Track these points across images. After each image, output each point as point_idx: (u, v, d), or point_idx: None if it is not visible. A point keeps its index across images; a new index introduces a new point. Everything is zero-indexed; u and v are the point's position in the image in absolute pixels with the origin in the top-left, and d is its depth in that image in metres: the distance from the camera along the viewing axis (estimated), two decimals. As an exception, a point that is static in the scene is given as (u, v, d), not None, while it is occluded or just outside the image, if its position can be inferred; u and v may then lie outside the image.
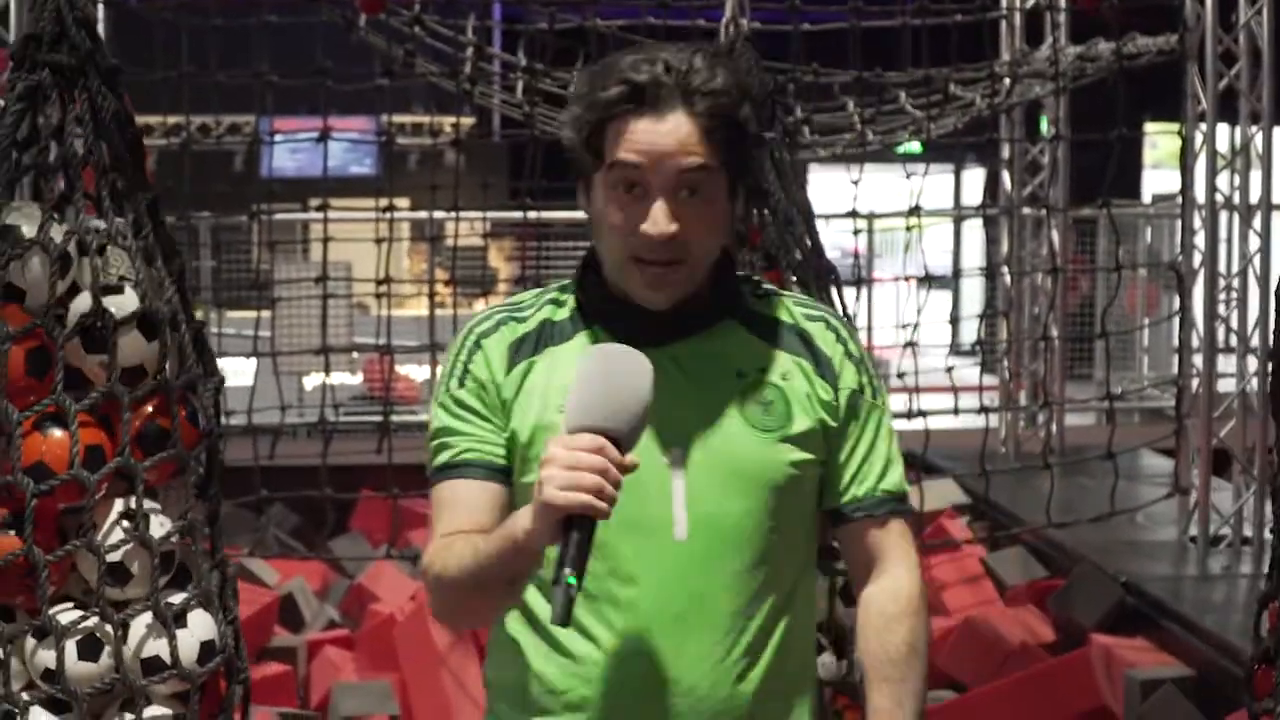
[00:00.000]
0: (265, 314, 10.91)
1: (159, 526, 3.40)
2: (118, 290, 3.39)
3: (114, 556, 3.35)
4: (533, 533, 2.51)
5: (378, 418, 10.53)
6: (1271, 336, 3.65)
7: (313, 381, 12.98)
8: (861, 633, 2.85)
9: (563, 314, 2.84)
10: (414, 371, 14.31)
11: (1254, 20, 8.85)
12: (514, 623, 2.83)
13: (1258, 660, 3.54)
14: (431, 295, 10.62)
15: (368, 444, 10.39)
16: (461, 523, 2.76)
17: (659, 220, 2.66)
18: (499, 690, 2.91)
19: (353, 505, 10.23)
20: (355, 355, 14.21)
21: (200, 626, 3.42)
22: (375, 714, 7.12)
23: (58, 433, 3.33)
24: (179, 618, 3.40)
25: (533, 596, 2.79)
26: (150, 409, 3.41)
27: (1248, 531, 8.76)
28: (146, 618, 3.38)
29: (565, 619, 2.45)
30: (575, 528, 2.45)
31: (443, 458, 2.82)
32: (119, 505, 3.38)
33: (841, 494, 2.86)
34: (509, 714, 2.87)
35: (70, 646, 3.34)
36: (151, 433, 3.39)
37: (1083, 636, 7.69)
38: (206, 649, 3.42)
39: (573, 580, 2.43)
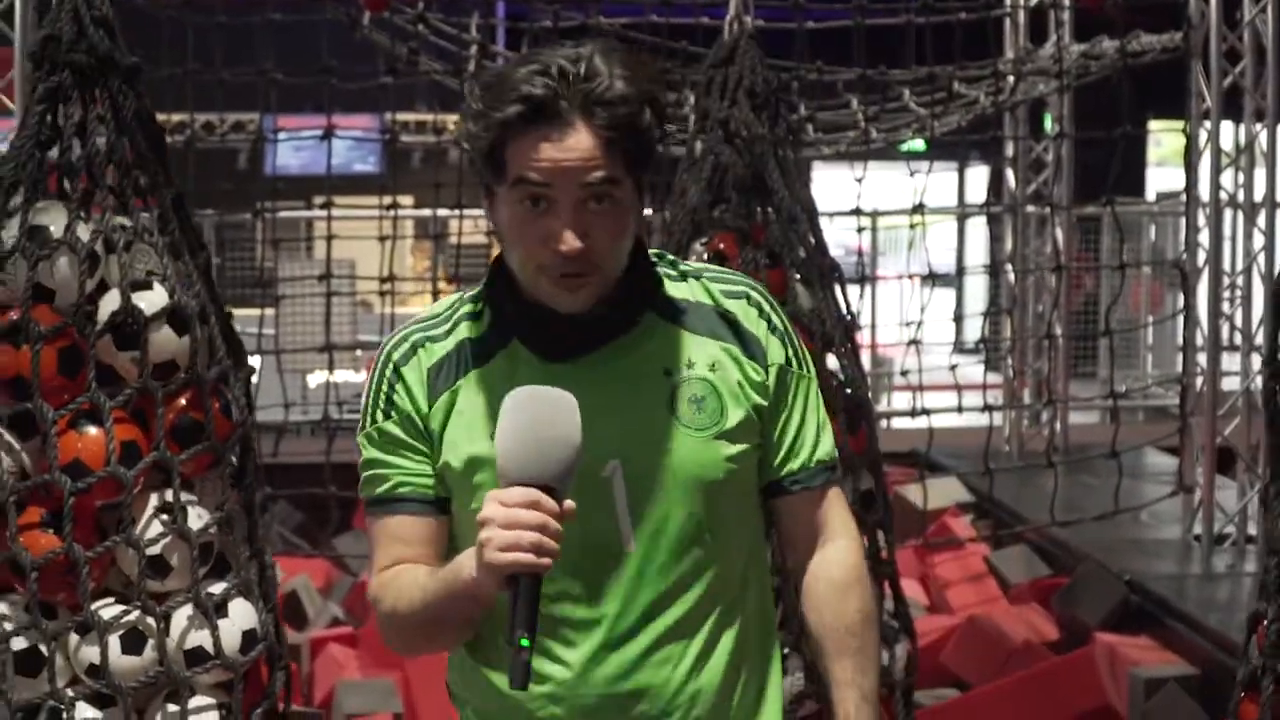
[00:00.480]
0: (269, 311, 10.92)
1: (197, 518, 3.44)
2: (146, 286, 3.43)
3: (153, 550, 3.40)
4: (480, 585, 2.52)
5: (381, 415, 10.52)
6: (1265, 337, 3.61)
7: (316, 379, 12.98)
8: (812, 604, 2.84)
9: (481, 328, 2.77)
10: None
11: (1258, 18, 8.84)
12: (475, 645, 2.81)
13: (1244, 686, 3.49)
14: (435, 293, 10.63)
15: (371, 441, 10.38)
16: (400, 556, 2.76)
17: (566, 239, 2.60)
18: (468, 705, 2.88)
19: (356, 502, 10.20)
20: (359, 353, 14.21)
21: (241, 615, 3.49)
22: (379, 712, 7.12)
23: (93, 430, 3.37)
24: (220, 608, 3.46)
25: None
26: (183, 402, 3.46)
27: (1252, 530, 8.74)
28: (188, 609, 3.44)
29: (524, 683, 2.46)
30: (521, 584, 2.45)
31: (376, 491, 2.81)
32: (155, 499, 3.42)
33: (777, 469, 2.83)
34: (479, 714, 2.84)
35: (114, 641, 3.37)
36: (186, 426, 3.44)
37: (1086, 635, 7.69)
38: (249, 638, 3.50)
39: (525, 642, 2.44)
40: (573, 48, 2.65)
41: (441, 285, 10.88)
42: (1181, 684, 6.83)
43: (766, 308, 2.83)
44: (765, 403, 2.78)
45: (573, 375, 2.64)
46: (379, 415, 2.80)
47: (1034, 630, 8.02)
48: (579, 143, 2.59)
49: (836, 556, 2.85)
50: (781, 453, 2.82)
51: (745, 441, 2.77)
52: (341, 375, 11.64)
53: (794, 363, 2.83)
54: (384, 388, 2.79)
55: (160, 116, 3.66)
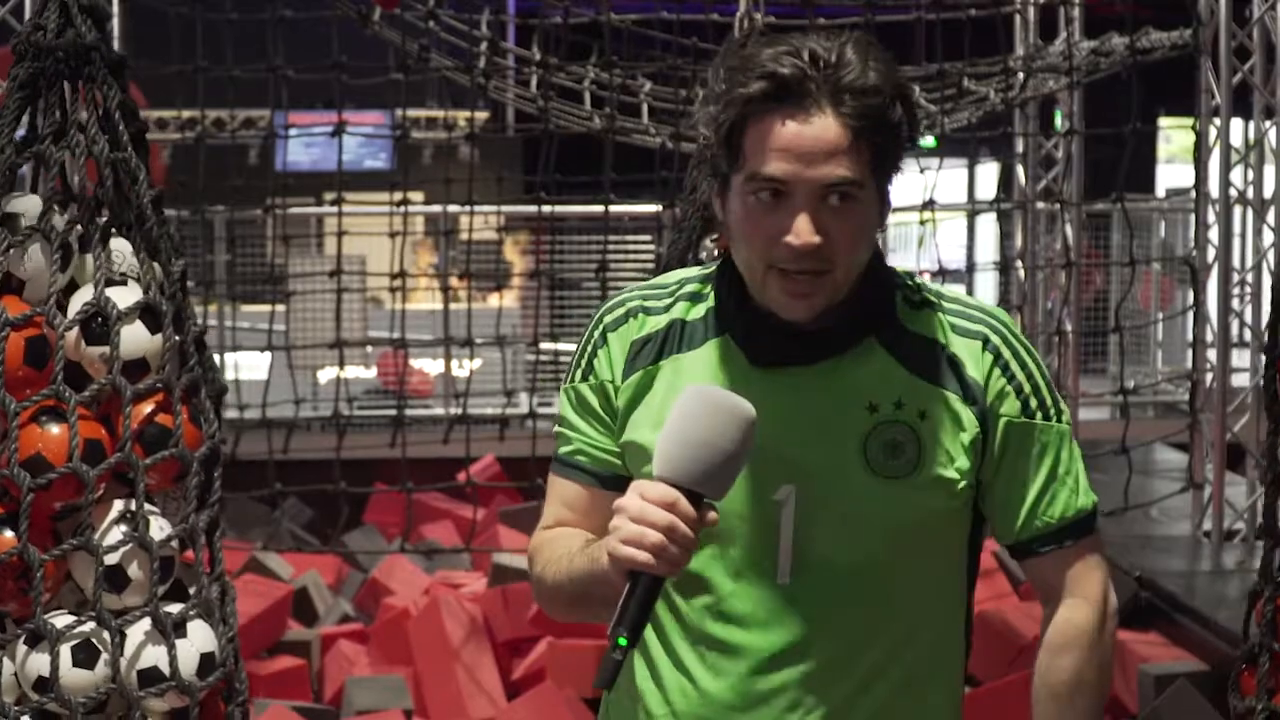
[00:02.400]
0: (280, 308, 10.94)
1: (158, 530, 3.26)
2: (120, 282, 3.27)
3: (112, 559, 3.21)
4: (607, 573, 2.42)
5: (392, 411, 10.55)
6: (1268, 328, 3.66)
7: (327, 375, 13.01)
8: (1037, 667, 2.68)
9: (697, 314, 2.65)
10: (428, 365, 14.34)
11: (1267, 15, 8.84)
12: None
13: (1244, 660, 3.55)
14: (445, 289, 10.64)
15: (382, 438, 10.42)
16: (562, 519, 2.69)
17: (802, 232, 2.45)
18: (611, 697, 2.78)
19: (367, 499, 10.24)
20: (369, 349, 14.23)
21: (200, 637, 3.27)
22: (389, 708, 7.13)
23: (55, 428, 3.19)
24: (178, 627, 3.24)
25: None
26: (152, 407, 3.27)
27: (1261, 525, 8.74)
28: (145, 625, 3.24)
29: (609, 683, 2.35)
30: (638, 583, 2.35)
31: (560, 449, 2.71)
32: (118, 506, 3.25)
33: (1019, 530, 2.66)
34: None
35: (65, 652, 3.19)
36: (153, 434, 3.26)
37: (1096, 631, 7.68)
38: (206, 661, 3.26)
39: (623, 641, 2.32)
40: (827, 37, 2.50)
41: (452, 281, 10.89)
42: (1192, 680, 6.83)
43: (1006, 353, 2.62)
44: (984, 458, 2.61)
45: (775, 384, 2.55)
46: (578, 375, 2.69)
47: (1044, 626, 8.02)
48: (825, 130, 2.44)
49: (1062, 620, 2.67)
50: (1023, 513, 2.65)
51: (940, 497, 2.59)
52: (352, 371, 11.68)
53: (1038, 415, 2.62)
54: (589, 349, 2.69)
55: (171, 113, 3.62)
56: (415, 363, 13.48)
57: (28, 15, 6.92)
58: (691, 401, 2.38)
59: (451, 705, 7.43)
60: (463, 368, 12.14)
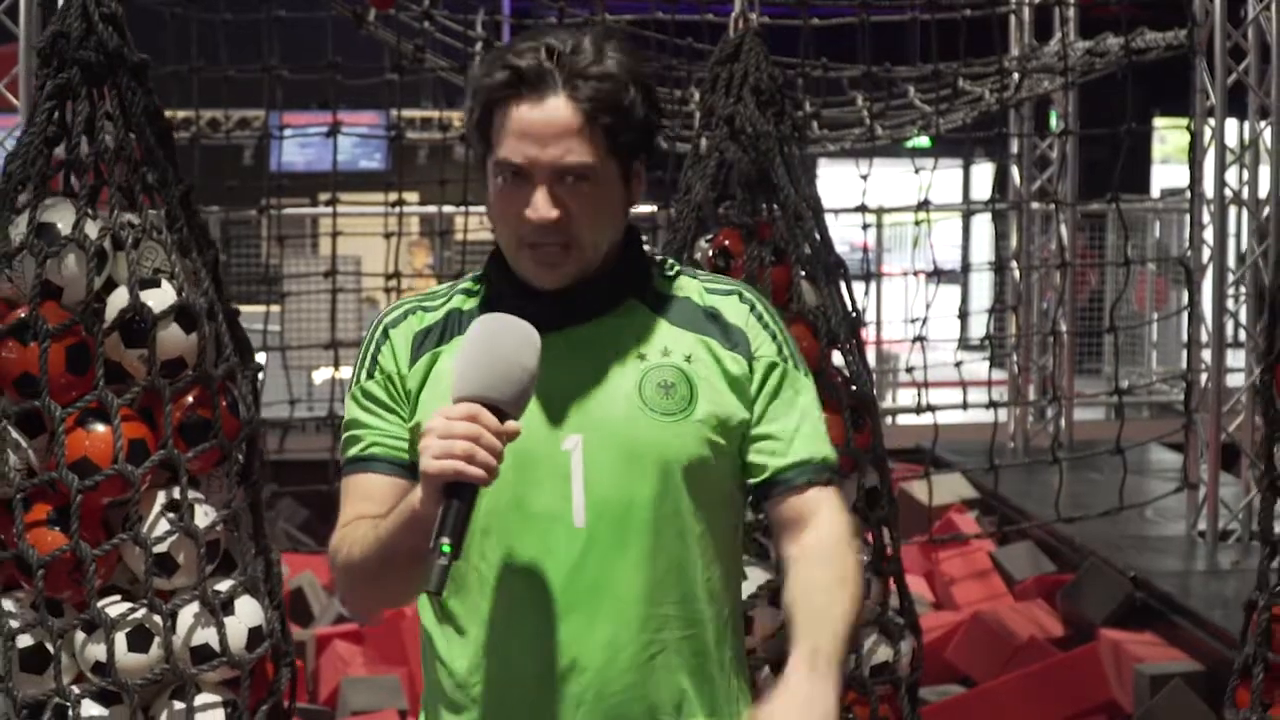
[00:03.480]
0: (274, 308, 10.93)
1: (203, 516, 3.44)
2: (154, 284, 3.42)
3: (160, 547, 3.39)
4: (422, 503, 2.52)
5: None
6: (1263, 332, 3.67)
7: (322, 376, 13.00)
8: (787, 585, 2.73)
9: (472, 304, 2.80)
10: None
11: (1262, 15, 8.85)
12: (428, 617, 2.81)
13: (1239, 673, 3.53)
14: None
15: (377, 438, 10.39)
16: (363, 512, 2.75)
17: (539, 207, 2.64)
18: (425, 685, 2.90)
19: (362, 499, 10.22)
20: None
21: (248, 613, 3.49)
22: (384, 708, 7.13)
23: (100, 428, 3.36)
24: (226, 605, 3.46)
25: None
26: (191, 400, 3.45)
27: (1256, 526, 8.75)
28: (194, 606, 3.43)
29: (439, 588, 2.46)
30: (454, 496, 2.47)
31: (351, 451, 2.80)
32: (163, 496, 3.42)
33: (770, 467, 2.77)
34: (431, 706, 2.86)
35: (120, 638, 3.37)
36: (193, 424, 3.43)
37: (1091, 631, 7.70)
38: (255, 635, 3.49)
39: (447, 549, 2.44)
40: (571, 31, 2.72)
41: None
42: (1187, 680, 6.84)
43: (759, 306, 2.83)
44: (747, 397, 2.76)
45: (552, 346, 2.64)
46: (363, 375, 2.82)
47: (1039, 626, 8.03)
48: (556, 112, 2.64)
49: (814, 538, 2.74)
50: (769, 451, 2.78)
51: (715, 434, 2.74)
52: (347, 372, 11.63)
53: (790, 361, 2.81)
54: (371, 349, 2.82)
55: (165, 113, 3.68)
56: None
57: (22, 16, 6.95)
58: (482, 327, 2.58)
59: (447, 706, 7.42)
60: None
